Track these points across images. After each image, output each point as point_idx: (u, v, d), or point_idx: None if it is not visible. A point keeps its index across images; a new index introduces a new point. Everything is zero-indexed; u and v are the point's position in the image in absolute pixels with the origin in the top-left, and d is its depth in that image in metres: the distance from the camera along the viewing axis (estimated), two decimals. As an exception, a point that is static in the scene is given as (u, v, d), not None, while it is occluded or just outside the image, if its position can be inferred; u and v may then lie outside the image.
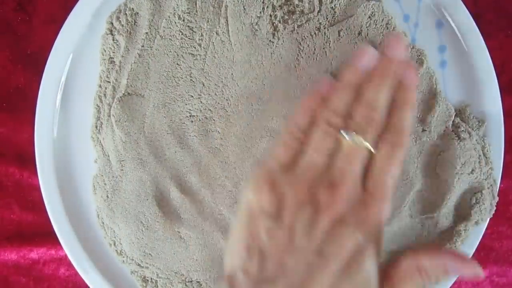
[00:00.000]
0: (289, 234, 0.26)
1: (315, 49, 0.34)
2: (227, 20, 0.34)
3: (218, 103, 0.35)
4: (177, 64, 0.35)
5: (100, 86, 0.37)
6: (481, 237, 0.37)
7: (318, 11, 0.34)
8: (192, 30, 0.35)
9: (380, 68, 0.29)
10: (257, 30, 0.34)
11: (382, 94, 0.28)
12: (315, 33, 0.34)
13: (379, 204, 0.27)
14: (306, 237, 0.26)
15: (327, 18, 0.34)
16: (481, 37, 0.35)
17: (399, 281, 0.28)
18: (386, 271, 0.28)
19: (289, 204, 0.27)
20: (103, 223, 0.38)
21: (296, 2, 0.34)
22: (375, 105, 0.28)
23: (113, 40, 0.36)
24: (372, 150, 0.27)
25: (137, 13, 0.36)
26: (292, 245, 0.26)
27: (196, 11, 0.35)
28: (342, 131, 0.28)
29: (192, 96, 0.35)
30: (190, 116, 0.35)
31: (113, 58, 0.36)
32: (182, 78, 0.35)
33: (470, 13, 0.35)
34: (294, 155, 0.29)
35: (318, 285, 0.25)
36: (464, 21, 0.35)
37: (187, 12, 0.34)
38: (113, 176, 0.37)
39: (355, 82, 0.29)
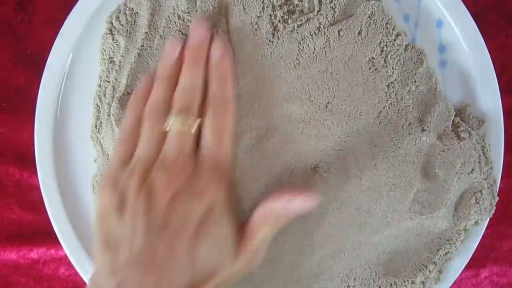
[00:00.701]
0: (132, 222, 0.28)
1: (315, 49, 0.34)
2: (227, 20, 0.34)
3: (218, 103, 0.35)
4: (177, 63, 0.35)
5: (99, 86, 0.37)
6: (481, 237, 0.37)
7: (318, 11, 0.34)
8: (192, 30, 0.35)
9: (188, 55, 0.31)
10: (257, 29, 0.34)
11: (197, 76, 0.31)
12: (315, 33, 0.34)
13: (209, 175, 0.29)
14: (147, 220, 0.27)
15: (326, 18, 0.34)
16: (481, 37, 0.35)
17: (252, 233, 0.29)
18: (243, 226, 0.30)
19: (128, 195, 0.28)
20: (102, 223, 0.38)
21: (296, 2, 0.34)
22: (192, 86, 0.30)
23: (113, 39, 0.36)
24: (197, 124, 0.30)
25: (137, 12, 0.36)
26: (139, 230, 0.27)
27: (196, 11, 0.35)
28: (168, 118, 0.30)
29: (192, 96, 0.35)
30: (190, 116, 0.35)
31: (112, 57, 0.36)
32: (182, 77, 0.35)
33: (470, 13, 0.35)
34: (131, 150, 0.31)
35: (176, 259, 0.27)
36: (464, 21, 0.35)
37: (187, 12, 0.34)
38: (112, 176, 0.37)
39: (169, 73, 0.31)
